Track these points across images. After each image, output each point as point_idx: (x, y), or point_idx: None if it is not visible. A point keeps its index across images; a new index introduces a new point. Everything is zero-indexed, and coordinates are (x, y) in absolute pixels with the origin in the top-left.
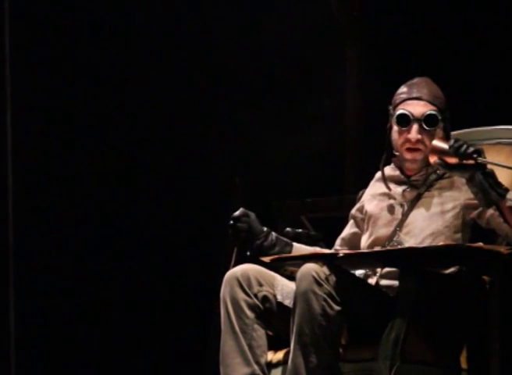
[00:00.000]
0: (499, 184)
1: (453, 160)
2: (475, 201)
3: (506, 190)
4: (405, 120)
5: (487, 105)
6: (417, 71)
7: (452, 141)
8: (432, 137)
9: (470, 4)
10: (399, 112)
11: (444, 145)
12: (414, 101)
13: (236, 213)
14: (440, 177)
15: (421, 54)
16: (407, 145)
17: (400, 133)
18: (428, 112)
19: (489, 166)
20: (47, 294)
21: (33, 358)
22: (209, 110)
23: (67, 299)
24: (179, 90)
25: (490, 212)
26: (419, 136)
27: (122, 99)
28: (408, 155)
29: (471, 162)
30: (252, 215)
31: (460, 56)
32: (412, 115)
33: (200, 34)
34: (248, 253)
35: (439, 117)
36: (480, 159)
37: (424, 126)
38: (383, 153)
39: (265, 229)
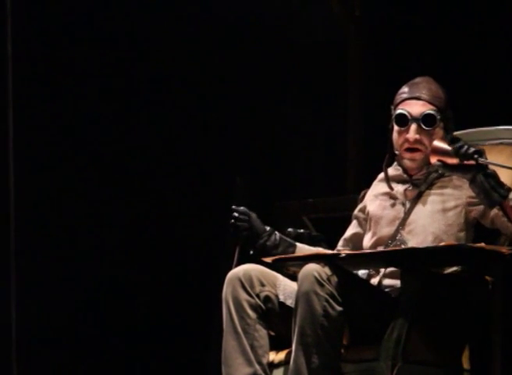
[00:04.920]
0: (502, 184)
1: (454, 161)
2: (477, 200)
3: (509, 190)
4: (403, 120)
5: (489, 106)
6: (419, 71)
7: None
8: (431, 137)
9: (471, 3)
10: (397, 112)
11: (445, 146)
12: (412, 101)
13: (236, 213)
14: (442, 176)
15: (423, 54)
16: (406, 145)
17: (400, 133)
18: (427, 112)
19: (490, 167)
20: (47, 295)
21: (34, 358)
22: (210, 109)
23: (67, 300)
24: (180, 90)
25: (494, 211)
26: (417, 136)
27: (123, 99)
28: (407, 155)
29: (472, 162)
30: (253, 215)
31: (462, 56)
32: (410, 115)
33: (200, 34)
34: (251, 252)
35: (438, 117)
36: (481, 160)
37: (423, 126)
38: (385, 153)
39: (268, 228)
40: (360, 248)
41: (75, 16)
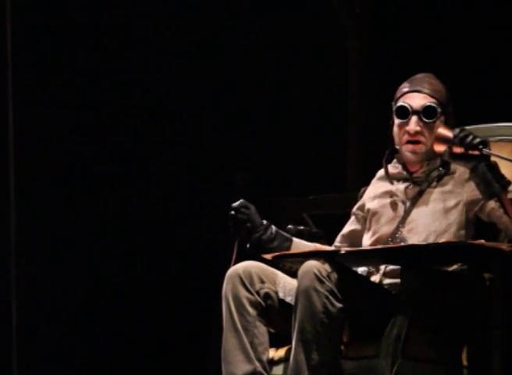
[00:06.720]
0: (502, 176)
1: (457, 149)
2: (478, 198)
3: (509, 182)
4: (404, 113)
5: (489, 103)
6: (419, 69)
7: (457, 130)
8: (431, 130)
9: (472, 0)
10: (398, 104)
11: (450, 134)
12: (413, 94)
13: (236, 204)
14: (442, 174)
15: (424, 51)
16: (407, 137)
17: (400, 126)
18: (427, 104)
19: (493, 159)
20: (46, 294)
21: (33, 358)
22: (210, 108)
23: (67, 300)
24: (181, 89)
25: (491, 205)
26: (418, 128)
27: (124, 98)
28: (409, 147)
29: (476, 152)
30: (252, 207)
31: (463, 53)
32: (411, 107)
33: (201, 34)
34: (248, 246)
35: (438, 109)
36: (485, 150)
37: (423, 119)
38: (385, 150)
39: (265, 222)
40: (358, 244)
41: (75, 16)
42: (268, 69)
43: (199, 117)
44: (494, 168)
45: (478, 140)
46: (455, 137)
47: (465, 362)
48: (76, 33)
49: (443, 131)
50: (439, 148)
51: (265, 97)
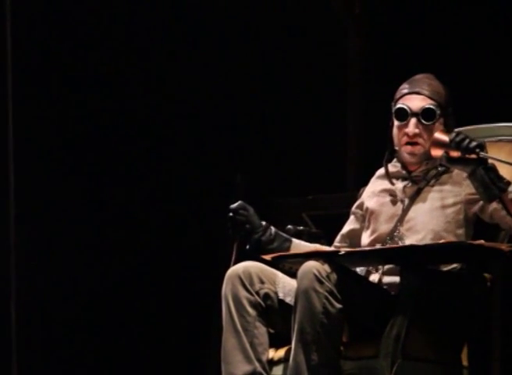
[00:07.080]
0: (501, 178)
1: (455, 154)
2: (477, 196)
3: (508, 183)
4: (403, 115)
5: (489, 103)
6: (418, 68)
7: (453, 135)
8: (430, 132)
9: (471, 1)
10: (397, 106)
11: (446, 138)
12: (412, 96)
13: (234, 205)
14: (441, 173)
15: (423, 51)
16: (406, 139)
17: (400, 128)
18: (426, 107)
19: (491, 161)
20: (46, 294)
21: (33, 359)
22: (210, 107)
23: (67, 300)
24: (180, 88)
25: (493, 205)
26: (417, 130)
27: (123, 98)
28: (407, 149)
29: (473, 156)
30: (250, 209)
31: (463, 53)
32: (410, 109)
33: (200, 34)
34: (247, 246)
35: (438, 112)
36: (482, 154)
37: (422, 121)
38: (385, 150)
39: (264, 223)
40: (358, 244)
41: (75, 16)
42: (268, 69)
43: (199, 117)
44: (492, 170)
45: (474, 143)
46: (451, 141)
47: (465, 362)
48: (76, 32)
49: (439, 136)
50: (436, 152)
51: (265, 97)
